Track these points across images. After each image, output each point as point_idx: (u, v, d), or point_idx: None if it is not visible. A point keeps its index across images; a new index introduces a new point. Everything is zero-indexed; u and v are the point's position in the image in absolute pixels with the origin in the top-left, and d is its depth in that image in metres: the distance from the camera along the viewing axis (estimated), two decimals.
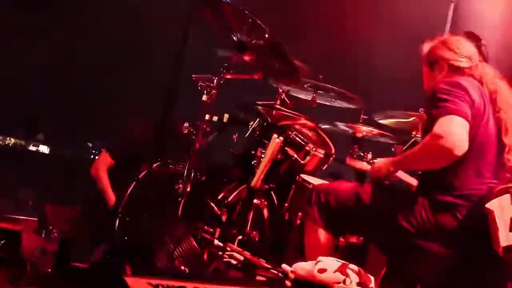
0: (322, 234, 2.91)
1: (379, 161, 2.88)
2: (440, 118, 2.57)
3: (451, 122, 2.55)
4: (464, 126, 2.55)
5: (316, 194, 2.95)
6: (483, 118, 2.70)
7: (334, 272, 2.35)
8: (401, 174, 2.92)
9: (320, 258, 2.46)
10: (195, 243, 2.78)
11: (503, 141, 2.74)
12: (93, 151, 6.21)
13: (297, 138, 3.57)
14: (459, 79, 2.77)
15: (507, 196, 2.56)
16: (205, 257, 2.76)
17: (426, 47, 3.00)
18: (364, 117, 4.22)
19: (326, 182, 3.60)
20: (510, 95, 2.83)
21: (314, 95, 4.12)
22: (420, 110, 3.89)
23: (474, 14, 4.52)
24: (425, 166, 2.74)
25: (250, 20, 3.04)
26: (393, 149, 4.02)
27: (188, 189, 3.05)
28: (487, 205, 2.53)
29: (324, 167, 3.79)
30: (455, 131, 2.53)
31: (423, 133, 2.99)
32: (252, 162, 3.32)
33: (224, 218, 3.09)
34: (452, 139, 2.51)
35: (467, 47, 2.93)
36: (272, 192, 3.49)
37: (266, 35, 3.11)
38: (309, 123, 3.55)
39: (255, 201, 3.24)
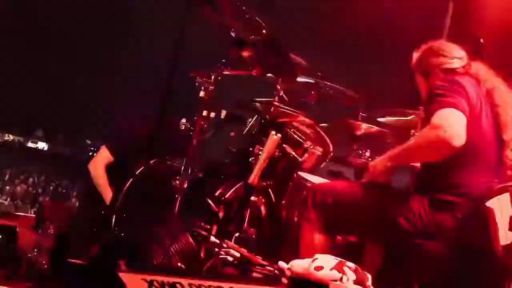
0: (318, 235, 2.85)
1: (374, 161, 2.85)
2: (438, 111, 2.56)
3: (449, 114, 2.54)
4: (461, 118, 2.54)
5: (312, 194, 2.89)
6: (479, 116, 2.68)
7: (331, 270, 2.32)
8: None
9: (317, 255, 2.44)
10: (191, 240, 2.77)
11: (502, 138, 2.73)
12: (92, 148, 6.22)
13: (295, 136, 3.56)
14: (455, 77, 2.75)
15: (507, 195, 2.54)
16: (201, 253, 2.74)
17: (414, 57, 2.97)
18: (363, 115, 4.20)
19: (323, 179, 3.58)
20: (506, 92, 2.82)
21: (313, 92, 4.10)
22: (419, 109, 3.87)
23: (474, 9, 4.51)
24: (423, 158, 2.72)
25: (247, 16, 3.02)
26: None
27: (185, 185, 3.04)
28: (487, 204, 2.51)
29: (322, 165, 3.77)
30: (453, 123, 2.51)
31: None
32: (250, 159, 3.30)
33: (221, 215, 3.07)
34: (450, 130, 2.49)
35: (454, 49, 2.90)
36: (269, 189, 3.47)
37: (264, 31, 3.09)
38: (307, 121, 3.53)
39: (252, 198, 3.23)
